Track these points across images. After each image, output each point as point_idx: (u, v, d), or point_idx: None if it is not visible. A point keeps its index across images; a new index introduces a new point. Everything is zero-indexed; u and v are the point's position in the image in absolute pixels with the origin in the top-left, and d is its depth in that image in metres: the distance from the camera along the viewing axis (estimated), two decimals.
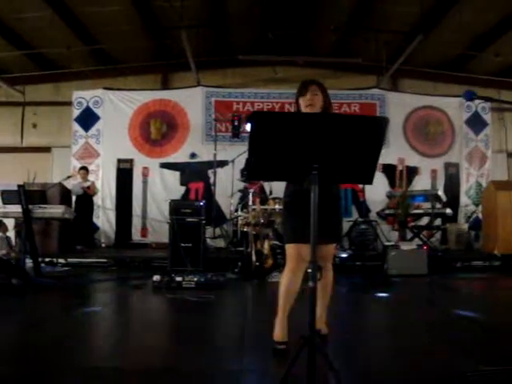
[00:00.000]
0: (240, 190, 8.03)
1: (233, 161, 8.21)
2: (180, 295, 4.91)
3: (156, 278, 5.40)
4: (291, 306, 2.95)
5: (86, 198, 8.55)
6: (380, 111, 9.93)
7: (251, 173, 2.15)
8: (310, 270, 2.11)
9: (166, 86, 10.57)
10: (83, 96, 9.88)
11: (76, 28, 8.66)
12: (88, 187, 8.53)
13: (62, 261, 7.48)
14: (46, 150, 10.70)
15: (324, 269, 3.09)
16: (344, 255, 7.52)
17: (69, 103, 9.99)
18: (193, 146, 9.72)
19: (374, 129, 2.09)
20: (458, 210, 9.77)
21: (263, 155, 2.12)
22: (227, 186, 8.53)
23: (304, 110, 2.93)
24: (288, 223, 3.03)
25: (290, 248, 2.96)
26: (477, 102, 9.44)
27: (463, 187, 10.07)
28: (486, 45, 9.13)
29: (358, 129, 2.09)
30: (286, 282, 2.94)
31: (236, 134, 8.98)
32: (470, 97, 3.06)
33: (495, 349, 3.08)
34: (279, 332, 2.92)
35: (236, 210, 7.99)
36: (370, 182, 2.23)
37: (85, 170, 8.77)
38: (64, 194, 7.91)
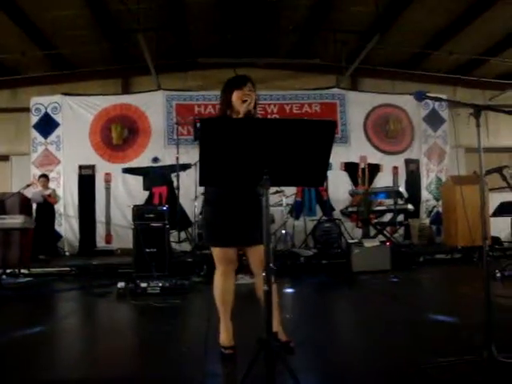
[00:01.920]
0: (203, 193, 7.98)
1: (195, 164, 8.17)
2: (145, 301, 4.87)
3: (120, 284, 5.35)
4: (231, 309, 2.97)
5: (47, 206, 8.39)
6: (340, 110, 10.07)
7: (202, 179, 2.16)
8: (263, 274, 2.13)
9: (126, 90, 10.45)
10: (41, 102, 9.69)
11: (31, 33, 8.48)
12: (49, 195, 8.37)
13: (24, 271, 7.30)
14: (4, 158, 10.46)
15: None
16: (309, 254, 7.59)
17: (26, 109, 9.78)
18: (155, 151, 9.66)
19: (321, 132, 2.12)
20: (419, 205, 9.99)
21: (213, 162, 2.13)
22: (191, 189, 8.49)
23: (239, 104, 2.84)
24: (211, 226, 2.95)
25: (216, 251, 2.94)
26: None
27: (424, 183, 10.30)
28: (441, 44, 9.37)
29: (306, 132, 2.12)
30: (220, 285, 2.94)
31: (198, 136, 8.94)
32: (420, 97, 3.12)
33: (455, 341, 3.18)
34: (224, 337, 2.94)
35: (200, 213, 7.96)
36: (321, 184, 2.27)
37: (45, 177, 8.60)
38: (23, 203, 7.72)
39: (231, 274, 2.96)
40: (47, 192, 8.39)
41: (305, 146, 2.12)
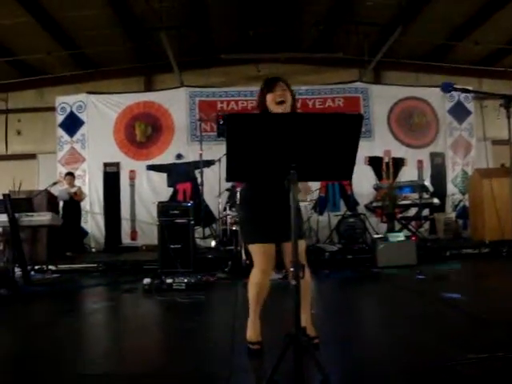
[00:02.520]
0: (228, 189, 8.02)
1: (219, 160, 8.20)
2: (170, 297, 4.91)
3: (146, 280, 5.39)
4: (262, 305, 2.96)
5: (73, 204, 8.53)
6: (364, 104, 9.97)
7: (230, 175, 2.16)
8: (292, 269, 2.13)
9: (149, 88, 10.55)
10: (66, 101, 9.83)
11: (56, 33, 8.63)
12: (75, 193, 8.50)
13: (51, 267, 7.42)
14: (32, 156, 10.67)
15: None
16: (334, 249, 7.56)
17: (52, 109, 9.95)
18: (178, 147, 9.72)
19: (349, 126, 2.11)
20: (445, 199, 9.85)
21: (240, 157, 2.13)
22: (215, 185, 8.54)
23: (274, 106, 2.83)
24: (249, 223, 2.96)
25: (254, 248, 2.91)
26: None
27: (449, 176, 10.14)
28: (466, 34, 9.21)
29: (333, 127, 2.11)
30: (257, 283, 2.91)
31: (221, 132, 8.98)
32: (448, 88, 3.07)
33: (485, 337, 3.13)
34: (252, 333, 2.95)
35: (224, 209, 7.99)
36: (349, 178, 2.24)
37: (71, 175, 8.74)
38: (50, 201, 7.87)
39: (269, 271, 2.93)
40: (73, 190, 8.52)
41: (332, 140, 2.11)
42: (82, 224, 9.21)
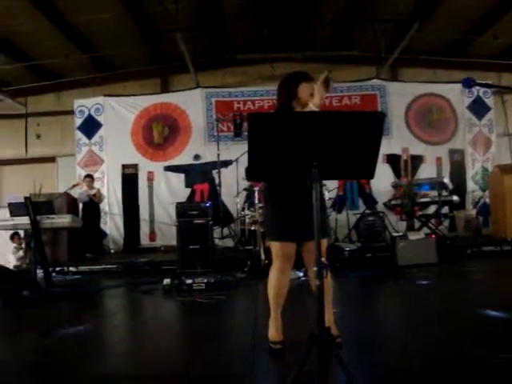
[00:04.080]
0: (245, 189, 8.02)
1: (236, 160, 8.20)
2: (191, 298, 4.92)
3: (166, 281, 5.41)
4: (283, 304, 2.96)
5: (93, 206, 8.61)
6: (381, 101, 9.89)
7: (251, 174, 2.16)
8: (315, 268, 2.12)
9: (165, 89, 10.59)
10: (84, 104, 9.91)
11: (73, 37, 8.69)
12: (94, 194, 8.58)
13: (72, 269, 7.50)
14: (51, 159, 10.77)
15: None
16: (353, 248, 7.51)
17: (71, 112, 10.04)
18: (196, 148, 9.74)
19: (371, 124, 2.09)
20: (465, 196, 9.72)
21: (262, 156, 2.12)
22: (232, 185, 8.54)
23: (306, 96, 2.84)
24: (271, 221, 2.97)
25: (275, 246, 2.92)
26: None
27: (469, 173, 10.01)
28: (484, 28, 9.06)
29: (355, 125, 2.09)
30: (275, 281, 2.92)
31: (238, 132, 9.01)
32: (469, 84, 3.03)
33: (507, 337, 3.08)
34: (274, 332, 2.94)
35: (243, 209, 8.00)
36: (371, 176, 2.22)
37: (90, 177, 8.82)
38: (70, 203, 7.97)
39: (288, 270, 2.94)
40: (92, 192, 8.60)
41: (354, 138, 2.09)
42: (101, 225, 9.28)
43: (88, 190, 8.61)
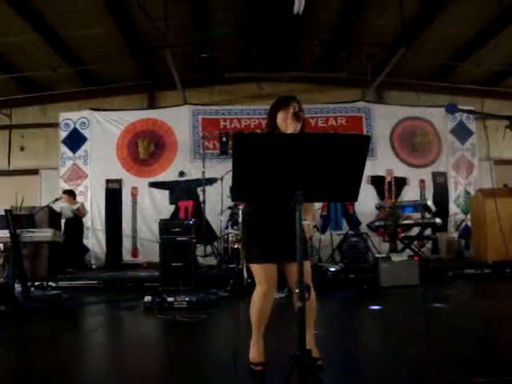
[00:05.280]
0: (230, 207, 8.01)
1: (221, 178, 8.21)
2: (171, 316, 4.86)
3: (147, 298, 5.34)
4: (265, 326, 2.93)
5: (76, 220, 8.52)
6: (366, 124, 10.01)
7: (235, 194, 2.15)
8: (297, 290, 2.11)
9: (152, 105, 10.59)
10: (70, 117, 9.87)
11: (61, 50, 8.69)
12: (77, 209, 8.49)
13: (52, 284, 7.38)
14: (34, 172, 10.66)
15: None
16: (336, 268, 7.51)
17: (56, 125, 10.00)
18: (181, 165, 9.74)
19: (356, 147, 2.10)
20: (447, 219, 9.82)
21: (247, 176, 2.12)
22: (217, 203, 8.52)
23: (283, 125, 2.81)
24: (252, 242, 2.92)
25: (257, 270, 2.88)
26: None
27: (452, 196, 10.13)
28: (468, 55, 9.27)
29: (340, 147, 2.10)
30: (259, 304, 2.88)
31: (224, 150, 9.02)
32: (452, 109, 3.09)
33: (491, 360, 3.09)
34: (255, 353, 2.91)
35: (226, 227, 7.97)
36: (355, 199, 2.22)
37: (67, 193, 8.66)
38: (52, 217, 7.84)
39: (271, 293, 2.90)
40: (75, 206, 8.51)
41: (339, 161, 2.09)
42: (84, 240, 9.20)
43: (70, 204, 8.51)
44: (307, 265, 2.76)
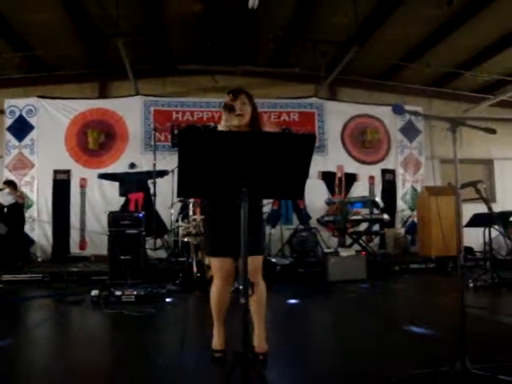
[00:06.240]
0: (180, 200, 7.95)
1: (172, 171, 8.11)
2: (119, 310, 4.80)
3: (94, 292, 5.24)
4: (224, 315, 3.09)
5: (17, 209, 8.24)
6: (318, 119, 10.14)
7: (180, 190, 2.14)
8: (241, 287, 2.12)
9: (103, 94, 10.33)
10: (16, 104, 9.50)
11: (6, 34, 8.34)
12: (20, 196, 8.28)
13: None
14: None
15: (254, 283, 3.11)
16: (285, 262, 7.60)
17: (0, 112, 9.60)
18: (132, 156, 9.56)
19: (301, 146, 2.12)
20: (394, 215, 10.09)
21: (192, 173, 2.11)
22: (167, 196, 8.42)
23: (233, 118, 2.87)
24: (209, 236, 3.11)
25: (214, 262, 3.04)
26: None
27: (399, 193, 10.41)
28: (418, 56, 9.50)
29: (285, 146, 2.11)
30: (216, 295, 3.06)
31: (175, 143, 8.92)
32: (399, 110, 3.17)
33: (428, 353, 3.20)
34: (216, 341, 3.08)
35: (177, 220, 7.91)
36: (300, 197, 2.28)
37: (9, 184, 8.39)
38: None
39: (228, 284, 3.05)
40: (17, 193, 8.28)
41: (284, 160, 2.11)
42: (29, 232, 8.95)
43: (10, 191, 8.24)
44: (258, 259, 2.92)
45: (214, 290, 3.06)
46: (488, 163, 11.57)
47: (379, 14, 8.00)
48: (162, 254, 8.51)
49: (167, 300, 5.39)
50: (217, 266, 3.00)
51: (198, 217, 6.32)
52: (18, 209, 8.31)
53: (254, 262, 2.87)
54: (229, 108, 2.84)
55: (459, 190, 2.74)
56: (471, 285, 5.93)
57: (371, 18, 8.14)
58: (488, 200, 5.94)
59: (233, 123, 2.87)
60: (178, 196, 2.22)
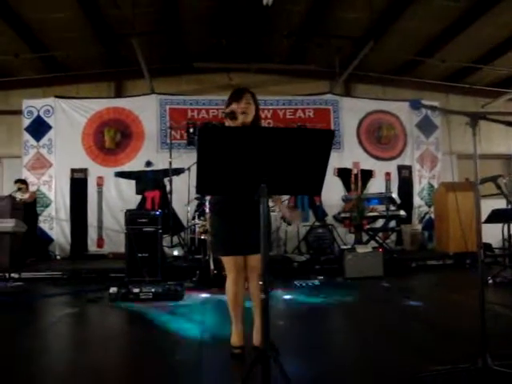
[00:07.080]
0: (197, 198, 7.97)
1: (189, 168, 8.15)
2: (137, 307, 4.84)
3: (113, 290, 5.30)
4: (242, 311, 3.15)
5: (30, 207, 8.37)
6: (334, 116, 10.09)
7: (200, 187, 2.16)
8: (260, 283, 2.12)
9: (119, 93, 10.42)
10: (33, 105, 9.61)
11: (24, 35, 8.43)
12: (30, 196, 8.43)
13: (14, 275, 7.22)
14: None
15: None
16: (302, 259, 7.60)
17: (19, 112, 9.70)
18: (148, 155, 9.62)
19: (320, 141, 2.12)
20: (411, 211, 10.01)
21: (211, 170, 2.12)
22: (184, 193, 8.45)
23: (236, 124, 2.94)
24: (219, 235, 3.13)
25: (225, 260, 3.12)
26: None
27: (416, 189, 10.33)
28: (434, 51, 9.42)
29: (305, 142, 2.12)
30: (231, 292, 3.11)
31: (191, 141, 8.95)
32: (416, 105, 3.16)
33: (449, 349, 3.18)
34: (235, 337, 3.12)
35: (193, 218, 7.94)
36: (318, 193, 2.27)
37: (19, 182, 8.53)
38: (15, 207, 7.67)
39: (241, 280, 3.12)
40: (26, 195, 8.42)
41: (303, 155, 2.12)
42: (47, 230, 9.09)
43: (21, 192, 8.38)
44: (258, 257, 2.89)
45: (230, 283, 3.11)
46: (507, 158, 11.43)
47: (395, 8, 7.94)
48: (174, 251, 8.54)
49: (184, 297, 5.43)
50: (230, 262, 3.08)
51: None
52: (31, 206, 8.42)
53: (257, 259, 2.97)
54: (231, 116, 2.92)
55: (478, 185, 2.71)
56: (490, 281, 5.87)
57: (386, 12, 8.08)
58: (508, 195, 5.87)
59: (237, 122, 2.94)
60: (198, 193, 2.24)
